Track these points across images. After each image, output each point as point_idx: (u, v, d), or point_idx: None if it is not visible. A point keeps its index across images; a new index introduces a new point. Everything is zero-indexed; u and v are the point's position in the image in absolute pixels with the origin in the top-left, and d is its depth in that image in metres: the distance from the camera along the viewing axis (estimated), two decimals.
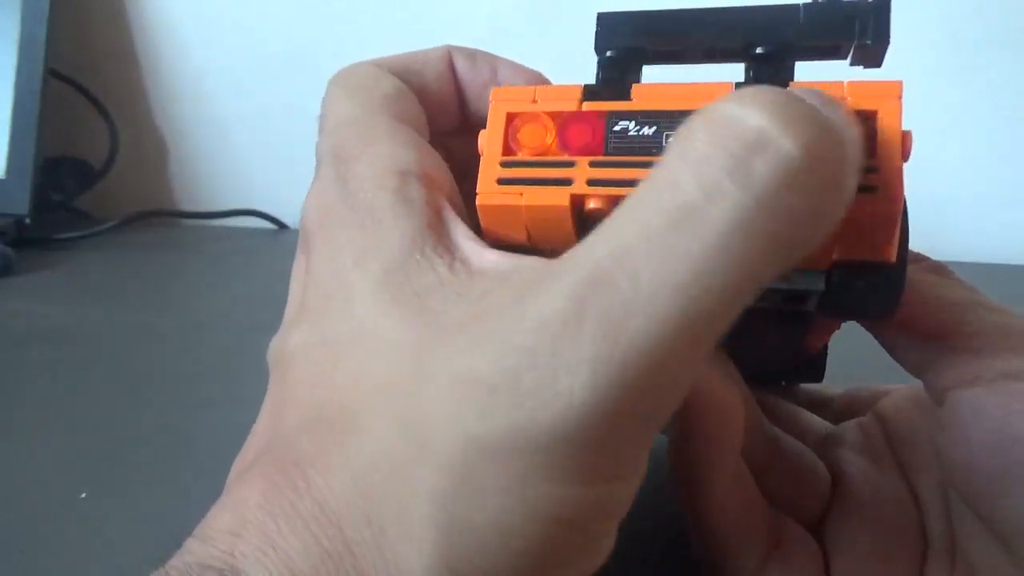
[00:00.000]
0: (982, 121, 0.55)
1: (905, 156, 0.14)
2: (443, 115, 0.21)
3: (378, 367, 0.14)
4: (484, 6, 0.63)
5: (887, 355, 0.19)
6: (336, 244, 0.15)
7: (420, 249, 0.15)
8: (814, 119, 0.12)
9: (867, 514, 0.19)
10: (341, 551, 0.12)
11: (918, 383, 0.21)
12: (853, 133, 0.12)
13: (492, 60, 0.21)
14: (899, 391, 0.22)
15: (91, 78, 0.69)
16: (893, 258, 0.15)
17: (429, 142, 0.19)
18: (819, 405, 0.24)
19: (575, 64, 0.22)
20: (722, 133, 0.11)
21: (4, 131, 0.59)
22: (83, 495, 0.25)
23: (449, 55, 0.21)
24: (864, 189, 0.13)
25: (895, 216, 0.14)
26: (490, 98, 0.16)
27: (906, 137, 0.14)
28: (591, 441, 0.11)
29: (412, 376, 0.13)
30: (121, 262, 0.57)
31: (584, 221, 0.15)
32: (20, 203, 0.58)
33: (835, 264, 0.15)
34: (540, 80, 0.20)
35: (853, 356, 0.22)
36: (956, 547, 0.18)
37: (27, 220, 0.59)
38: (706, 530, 0.18)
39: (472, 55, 0.21)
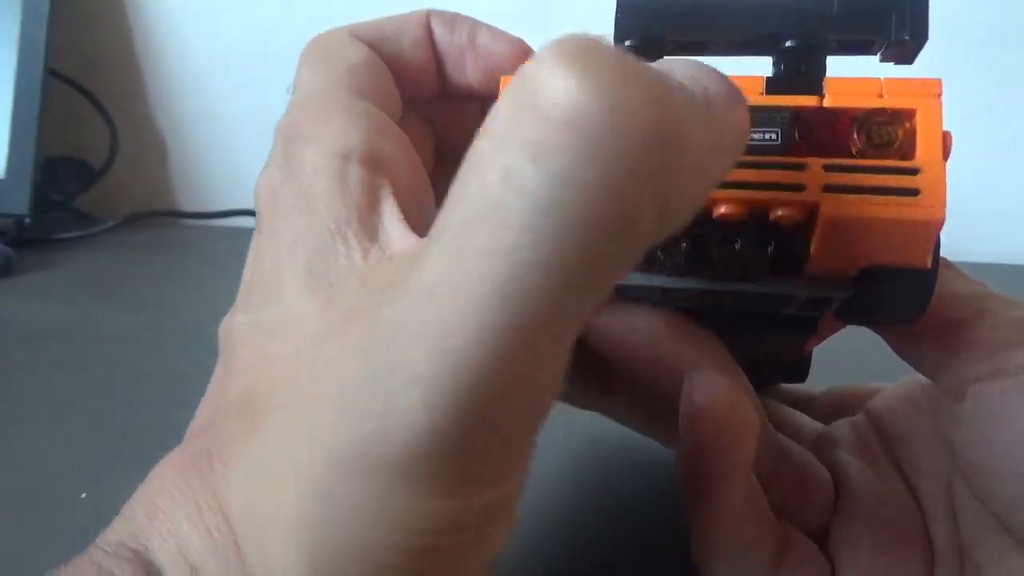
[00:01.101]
0: (982, 121, 0.55)
1: (945, 157, 0.13)
2: (420, 82, 0.20)
3: (290, 357, 0.14)
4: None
5: (864, 353, 0.19)
6: (276, 228, 0.15)
7: (343, 235, 0.14)
8: (622, 70, 0.10)
9: (872, 520, 0.18)
10: (230, 545, 0.12)
11: (908, 381, 0.21)
12: (694, 91, 0.11)
13: (472, 25, 0.20)
14: (889, 390, 0.22)
15: (91, 78, 0.69)
16: (929, 264, 0.14)
17: (406, 110, 0.19)
18: (802, 404, 0.24)
19: None
20: (523, 102, 0.10)
21: (4, 131, 0.59)
22: (83, 495, 0.25)
23: (427, 19, 0.20)
24: (904, 192, 0.13)
25: (938, 222, 0.13)
26: (500, 87, 0.15)
27: (946, 137, 0.13)
28: (442, 457, 0.10)
29: (307, 372, 0.13)
30: (121, 262, 0.57)
31: None
32: (20, 203, 0.58)
33: (863, 270, 0.14)
34: (522, 47, 0.20)
35: (830, 354, 0.22)
36: (964, 550, 0.18)
37: (27, 220, 0.59)
38: (713, 543, 0.17)
39: (451, 20, 0.20)
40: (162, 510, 0.13)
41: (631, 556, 0.23)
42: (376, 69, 0.19)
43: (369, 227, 0.14)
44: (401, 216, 0.15)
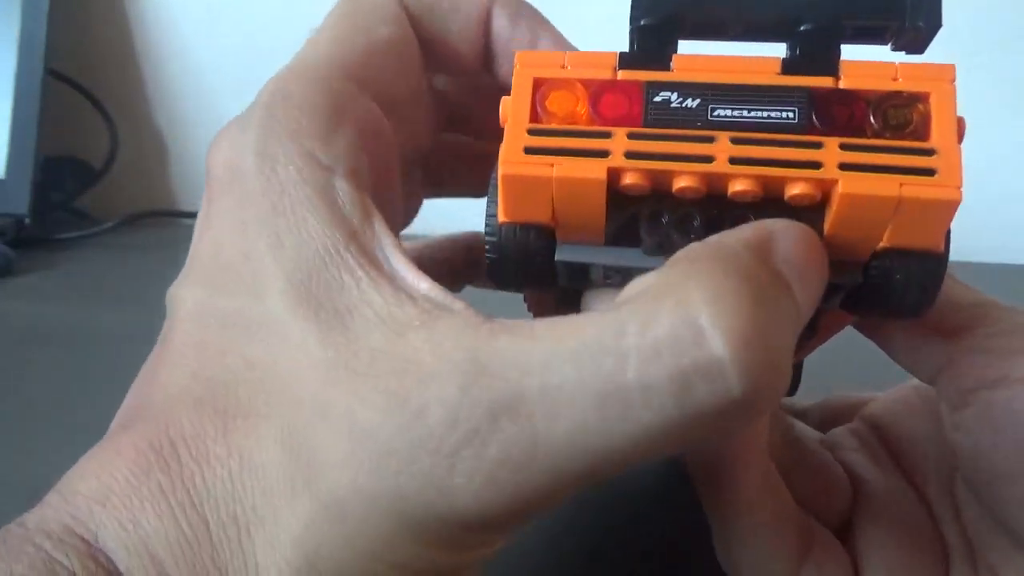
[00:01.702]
0: (982, 121, 0.55)
1: (959, 141, 0.13)
2: (458, 66, 0.19)
3: (284, 370, 0.13)
4: None
5: (853, 365, 0.18)
6: (245, 217, 0.15)
7: (343, 260, 0.14)
8: (774, 367, 0.11)
9: (893, 521, 0.18)
10: (202, 540, 0.13)
11: (903, 387, 0.21)
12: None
13: (536, 25, 0.19)
14: (886, 397, 0.22)
15: (91, 78, 0.69)
16: (942, 247, 0.14)
17: (426, 92, 0.18)
18: (796, 417, 0.23)
19: (594, 35, 0.21)
20: (682, 337, 0.11)
21: (4, 131, 0.59)
22: None
23: (488, 8, 0.18)
24: (921, 172, 0.13)
25: (955, 202, 0.13)
26: (515, 62, 0.15)
27: (960, 122, 0.14)
28: (466, 530, 0.12)
29: (315, 397, 0.13)
30: (121, 262, 0.57)
31: (618, 201, 0.14)
32: (20, 203, 0.58)
33: (875, 254, 0.14)
34: None
35: (819, 366, 0.22)
36: (974, 551, 0.18)
37: (27, 220, 0.59)
38: (736, 534, 0.17)
39: (516, 11, 0.18)
40: (117, 496, 0.13)
41: (633, 559, 0.23)
42: (402, 52, 0.18)
43: (370, 255, 0.14)
44: (399, 243, 0.14)
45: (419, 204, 0.23)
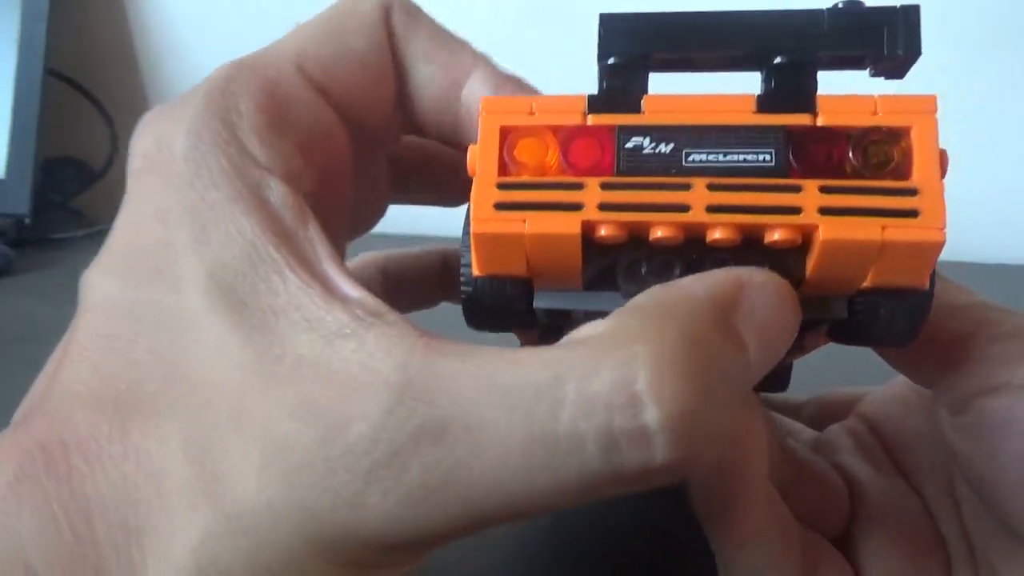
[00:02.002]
0: (981, 121, 0.55)
1: (942, 175, 0.13)
2: (422, 121, 0.18)
3: (196, 370, 0.13)
4: (479, 11, 0.63)
5: (844, 358, 0.18)
6: (168, 203, 0.14)
7: (274, 262, 0.13)
8: (707, 437, 0.11)
9: (892, 525, 0.18)
10: (85, 549, 0.12)
11: (897, 382, 0.21)
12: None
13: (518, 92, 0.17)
14: (880, 392, 0.21)
15: (91, 78, 0.69)
16: (928, 284, 0.14)
17: (395, 111, 0.17)
18: (789, 413, 0.23)
19: (574, 69, 0.21)
20: (618, 399, 0.11)
21: (4, 131, 0.59)
22: None
23: (461, 79, 0.17)
24: (903, 214, 0.13)
25: (939, 244, 0.13)
26: (480, 109, 0.14)
27: (943, 155, 0.13)
28: (373, 551, 0.12)
29: (228, 401, 0.12)
30: None
31: (594, 251, 0.14)
32: (20, 203, 0.58)
33: (859, 291, 0.14)
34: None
35: (810, 360, 0.22)
36: (975, 550, 0.17)
37: (27, 220, 0.59)
38: (742, 563, 0.17)
39: (499, 87, 0.17)
40: None
41: (632, 559, 0.23)
42: (373, 68, 0.17)
43: (301, 258, 0.13)
44: (334, 250, 0.14)
45: (383, 208, 0.22)
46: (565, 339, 0.12)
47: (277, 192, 0.14)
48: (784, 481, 0.18)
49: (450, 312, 0.24)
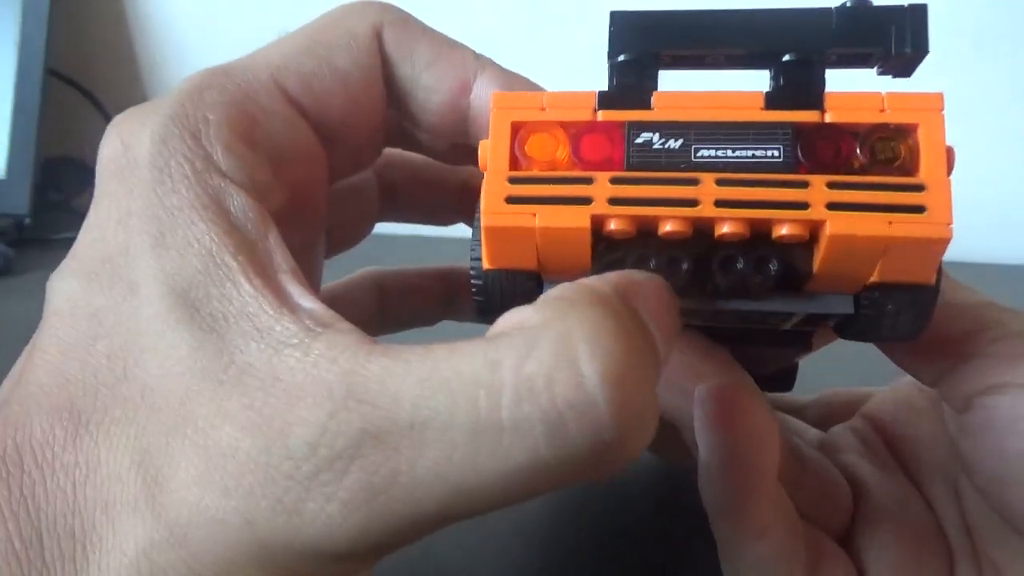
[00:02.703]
0: (982, 121, 0.55)
1: (948, 172, 0.13)
2: (428, 130, 0.18)
3: (148, 376, 0.13)
4: (481, 14, 0.63)
5: (849, 358, 0.18)
6: (132, 207, 0.14)
7: (229, 270, 0.13)
8: (643, 410, 0.11)
9: (895, 523, 0.18)
10: (33, 557, 0.12)
11: (903, 383, 0.21)
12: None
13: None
14: (885, 393, 0.22)
15: (91, 78, 0.69)
16: (934, 280, 0.14)
17: (382, 130, 0.17)
18: (794, 413, 0.23)
19: (580, 69, 0.21)
20: (558, 375, 0.11)
21: (4, 131, 0.59)
22: None
23: (469, 80, 0.17)
24: (910, 209, 0.13)
25: (945, 240, 0.13)
26: (492, 105, 0.14)
27: (950, 152, 0.13)
28: (315, 561, 0.12)
29: (175, 407, 0.12)
30: None
31: (603, 245, 0.14)
32: (20, 203, 0.58)
33: (866, 287, 0.14)
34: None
35: (814, 360, 0.22)
36: (978, 549, 0.18)
37: (27, 220, 0.59)
38: (747, 558, 0.17)
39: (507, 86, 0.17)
40: None
41: (633, 559, 0.23)
42: (359, 88, 0.17)
43: (258, 268, 0.13)
44: (293, 265, 0.14)
45: (369, 226, 0.22)
46: (493, 328, 0.12)
47: (239, 202, 0.14)
48: (788, 478, 0.18)
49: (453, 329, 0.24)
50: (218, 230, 0.13)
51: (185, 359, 0.12)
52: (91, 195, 0.15)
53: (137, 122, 0.15)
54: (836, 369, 0.25)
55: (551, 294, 0.12)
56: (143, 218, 0.14)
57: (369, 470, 0.11)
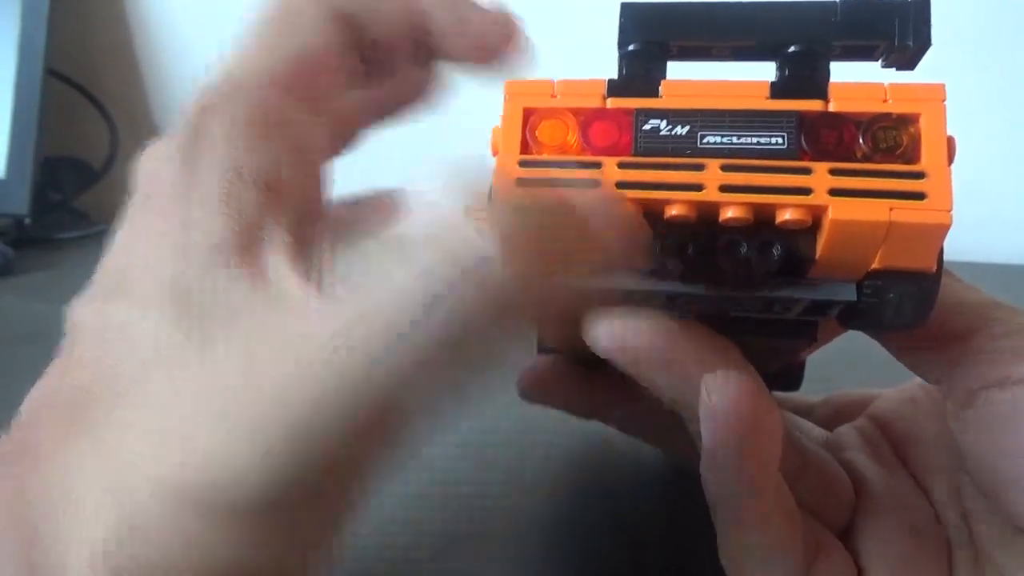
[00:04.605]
0: (982, 120, 0.55)
1: (950, 162, 0.13)
2: (396, 57, 0.18)
3: (129, 367, 0.13)
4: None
5: (857, 361, 0.18)
6: (159, 228, 0.14)
7: (223, 260, 0.13)
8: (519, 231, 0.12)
9: (895, 520, 0.18)
10: (23, 548, 0.12)
11: (909, 385, 0.21)
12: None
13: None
14: (890, 393, 0.22)
15: (91, 78, 0.69)
16: (935, 267, 0.14)
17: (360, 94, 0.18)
18: (801, 413, 0.24)
19: (589, 58, 0.21)
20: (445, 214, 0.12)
21: (4, 131, 0.59)
22: None
23: None
24: (911, 196, 0.13)
25: (945, 226, 0.13)
26: (504, 90, 0.15)
27: (951, 142, 0.14)
28: (256, 510, 0.12)
29: (142, 392, 0.13)
30: None
31: None
32: (20, 203, 0.58)
33: (868, 274, 0.14)
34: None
35: (822, 362, 0.21)
36: (979, 548, 0.18)
37: (27, 220, 0.59)
38: (744, 546, 0.17)
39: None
40: None
41: (636, 559, 0.23)
42: (333, 57, 0.17)
43: (252, 257, 0.14)
44: (290, 252, 0.14)
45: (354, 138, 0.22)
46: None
47: (247, 197, 0.14)
48: (789, 471, 0.18)
49: None
50: (233, 242, 0.14)
51: (178, 367, 0.13)
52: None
53: (163, 149, 0.16)
54: (844, 371, 0.25)
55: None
56: (166, 235, 0.14)
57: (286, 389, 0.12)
